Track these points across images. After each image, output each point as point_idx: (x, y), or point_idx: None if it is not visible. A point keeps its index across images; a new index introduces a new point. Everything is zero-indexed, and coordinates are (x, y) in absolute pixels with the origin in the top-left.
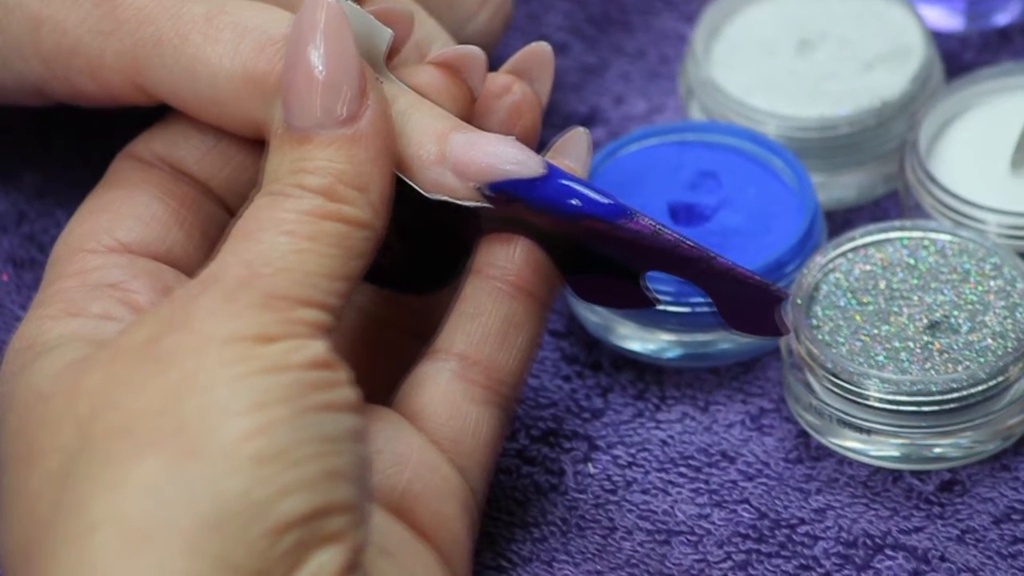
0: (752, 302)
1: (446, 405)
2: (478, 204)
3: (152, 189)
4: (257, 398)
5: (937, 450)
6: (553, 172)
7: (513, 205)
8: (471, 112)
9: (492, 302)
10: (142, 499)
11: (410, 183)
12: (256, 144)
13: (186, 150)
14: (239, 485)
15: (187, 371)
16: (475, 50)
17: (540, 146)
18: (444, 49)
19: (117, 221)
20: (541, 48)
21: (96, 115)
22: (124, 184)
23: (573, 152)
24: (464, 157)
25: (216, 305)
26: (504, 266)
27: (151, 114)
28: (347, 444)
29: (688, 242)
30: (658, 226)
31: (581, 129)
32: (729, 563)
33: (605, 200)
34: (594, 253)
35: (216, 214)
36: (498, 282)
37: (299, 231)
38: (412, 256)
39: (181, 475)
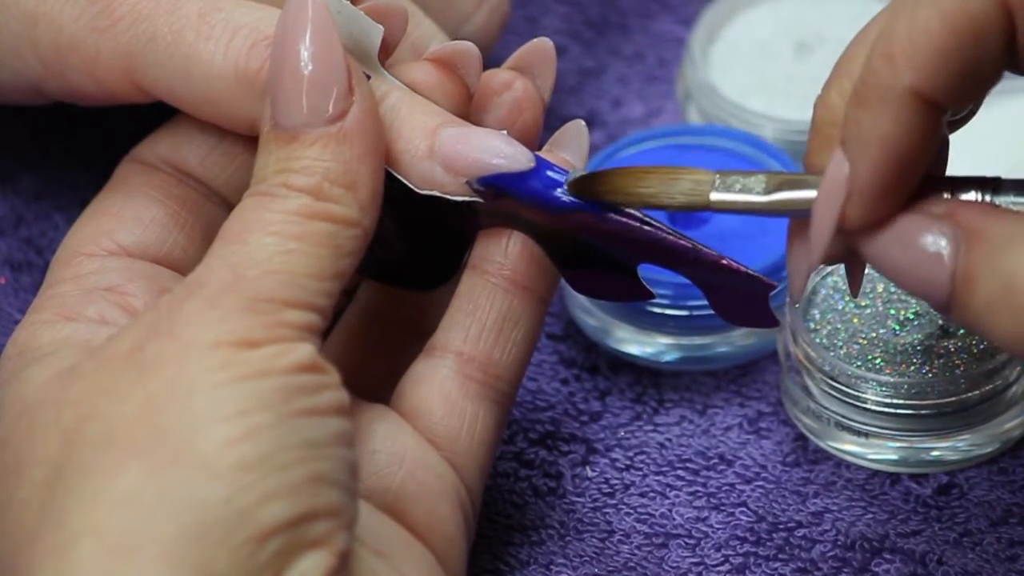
0: (742, 293)
1: (442, 402)
2: (468, 199)
3: (153, 192)
4: (240, 404)
5: (935, 453)
6: (540, 165)
7: (503, 199)
8: (468, 108)
9: (487, 298)
10: (123, 509)
11: (400, 179)
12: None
13: (189, 151)
14: (221, 493)
15: (169, 378)
16: (470, 46)
17: (540, 147)
18: (439, 46)
19: (117, 224)
20: (543, 44)
21: (94, 117)
22: (125, 188)
23: (571, 144)
24: (452, 151)
25: (200, 311)
26: (500, 261)
27: (151, 115)
28: (332, 448)
29: (674, 234)
30: (645, 218)
31: (579, 122)
32: (727, 566)
33: None
34: (589, 247)
35: (219, 216)
36: (493, 277)
37: (286, 232)
38: (412, 252)
39: (162, 484)
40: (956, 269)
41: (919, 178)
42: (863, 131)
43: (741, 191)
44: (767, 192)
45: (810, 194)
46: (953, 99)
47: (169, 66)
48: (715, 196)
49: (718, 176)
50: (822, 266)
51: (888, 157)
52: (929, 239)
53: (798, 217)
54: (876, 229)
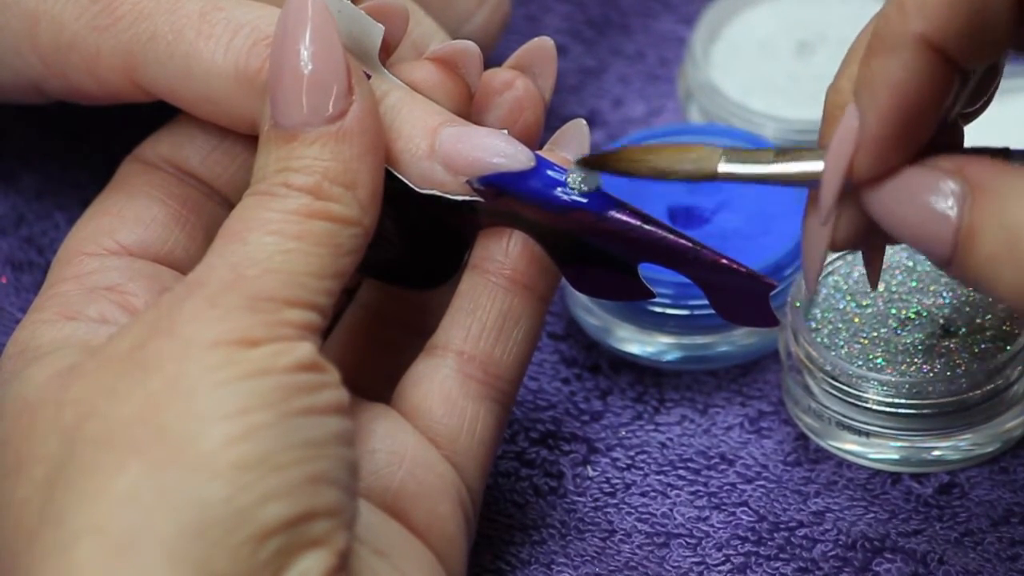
0: (743, 292)
1: (442, 401)
2: (469, 198)
3: (154, 191)
4: (240, 403)
5: (936, 453)
6: (541, 164)
7: (503, 199)
8: (469, 107)
9: (488, 297)
10: (123, 508)
11: (401, 178)
12: None
13: (191, 150)
14: (220, 492)
15: (169, 377)
16: (470, 45)
17: (541, 146)
18: (440, 45)
19: (118, 224)
20: (543, 43)
21: (95, 116)
22: (127, 187)
23: (572, 143)
24: (452, 151)
25: (200, 310)
26: (500, 260)
27: (152, 115)
28: (332, 448)
29: (675, 233)
30: (645, 217)
31: (580, 121)
32: (728, 566)
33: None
34: (589, 246)
35: (220, 215)
36: (494, 276)
37: (286, 231)
38: (413, 251)
39: (162, 483)
40: (961, 224)
41: (928, 132)
42: (874, 79)
43: (748, 161)
44: (775, 162)
45: (818, 164)
46: (962, 52)
47: (170, 65)
48: (723, 168)
49: (726, 151)
50: (825, 266)
51: (897, 104)
52: (936, 192)
53: (805, 187)
54: (883, 181)
